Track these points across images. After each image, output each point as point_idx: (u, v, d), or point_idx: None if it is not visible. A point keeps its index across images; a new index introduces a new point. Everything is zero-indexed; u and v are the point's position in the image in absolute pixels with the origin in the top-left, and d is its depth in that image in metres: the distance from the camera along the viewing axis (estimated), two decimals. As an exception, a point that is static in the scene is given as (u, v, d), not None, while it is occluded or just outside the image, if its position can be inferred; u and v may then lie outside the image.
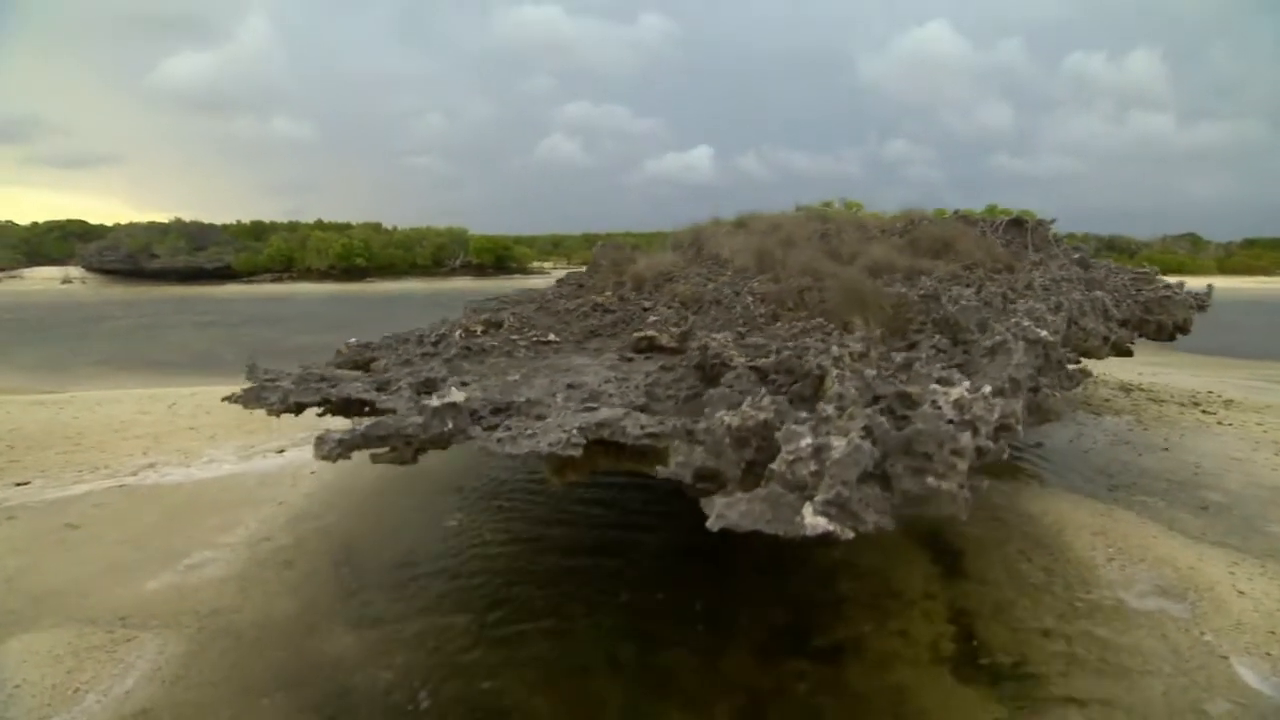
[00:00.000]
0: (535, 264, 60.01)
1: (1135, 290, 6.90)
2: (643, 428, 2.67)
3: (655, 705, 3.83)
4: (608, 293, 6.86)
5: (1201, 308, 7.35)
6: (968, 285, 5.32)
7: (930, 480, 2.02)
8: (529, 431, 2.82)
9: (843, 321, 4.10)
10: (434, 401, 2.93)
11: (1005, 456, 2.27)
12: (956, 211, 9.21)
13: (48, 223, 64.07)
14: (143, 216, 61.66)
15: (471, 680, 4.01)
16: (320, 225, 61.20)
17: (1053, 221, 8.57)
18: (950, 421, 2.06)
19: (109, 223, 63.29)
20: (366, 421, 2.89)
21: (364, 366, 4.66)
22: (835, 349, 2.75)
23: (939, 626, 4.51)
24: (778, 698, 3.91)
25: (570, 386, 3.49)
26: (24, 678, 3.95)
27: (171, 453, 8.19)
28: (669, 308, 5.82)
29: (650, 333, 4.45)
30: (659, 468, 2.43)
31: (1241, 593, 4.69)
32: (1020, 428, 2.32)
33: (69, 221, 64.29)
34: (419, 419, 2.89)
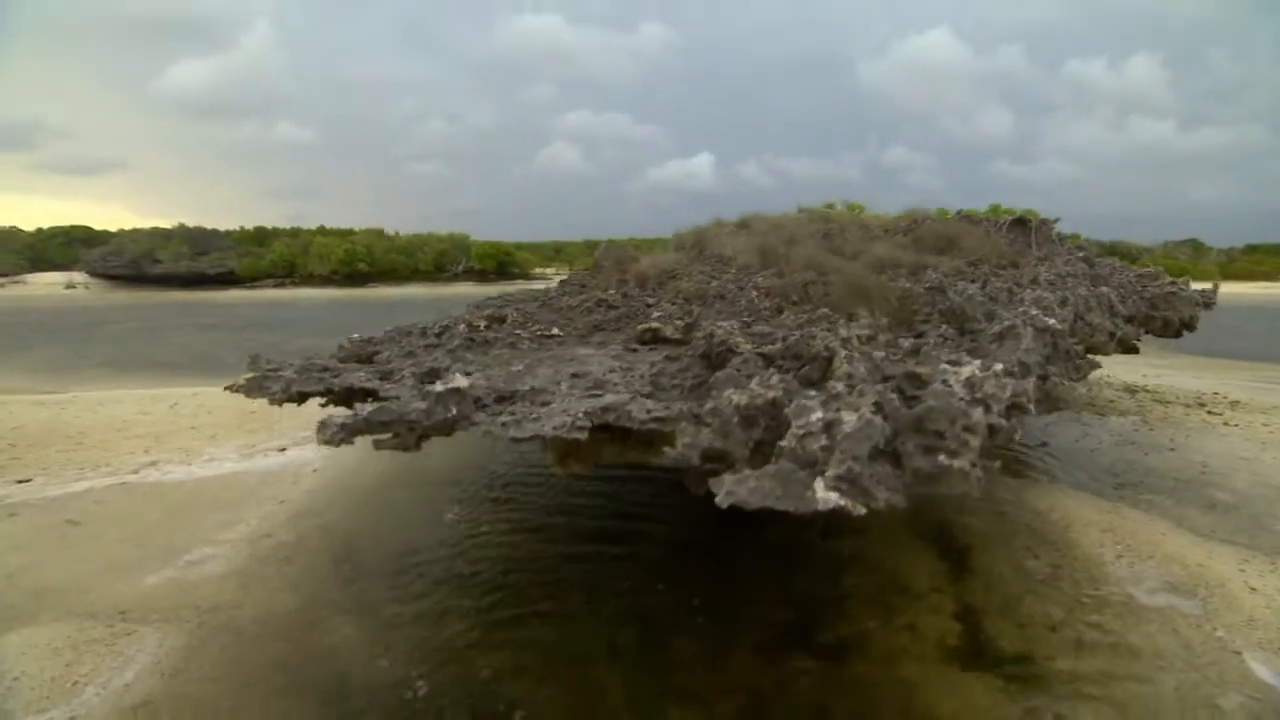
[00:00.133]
0: (537, 270, 60.12)
1: (1141, 287, 6.87)
2: (649, 412, 2.65)
3: (656, 697, 3.79)
4: (611, 290, 6.84)
5: (1207, 305, 7.32)
6: (972, 280, 5.30)
7: (942, 458, 1.99)
8: (534, 416, 2.80)
9: (848, 314, 4.08)
10: (438, 387, 2.90)
11: (1018, 436, 2.24)
12: (960, 211, 9.21)
13: (52, 228, 64.30)
14: (146, 222, 62.01)
15: (471, 670, 3.97)
16: (323, 231, 61.35)
17: (1056, 221, 8.56)
18: (962, 399, 2.03)
19: (113, 228, 63.50)
20: (370, 407, 2.86)
21: (367, 361, 4.64)
22: (843, 332, 2.73)
23: (946, 622, 4.46)
24: (782, 692, 3.86)
25: (575, 376, 3.47)
26: (23, 670, 3.92)
27: (173, 451, 8.17)
28: (672, 304, 5.81)
29: (654, 325, 4.42)
30: (666, 449, 2.40)
31: (1253, 589, 4.64)
32: (1032, 407, 2.29)
33: (73, 227, 64.51)
34: (422, 405, 2.86)
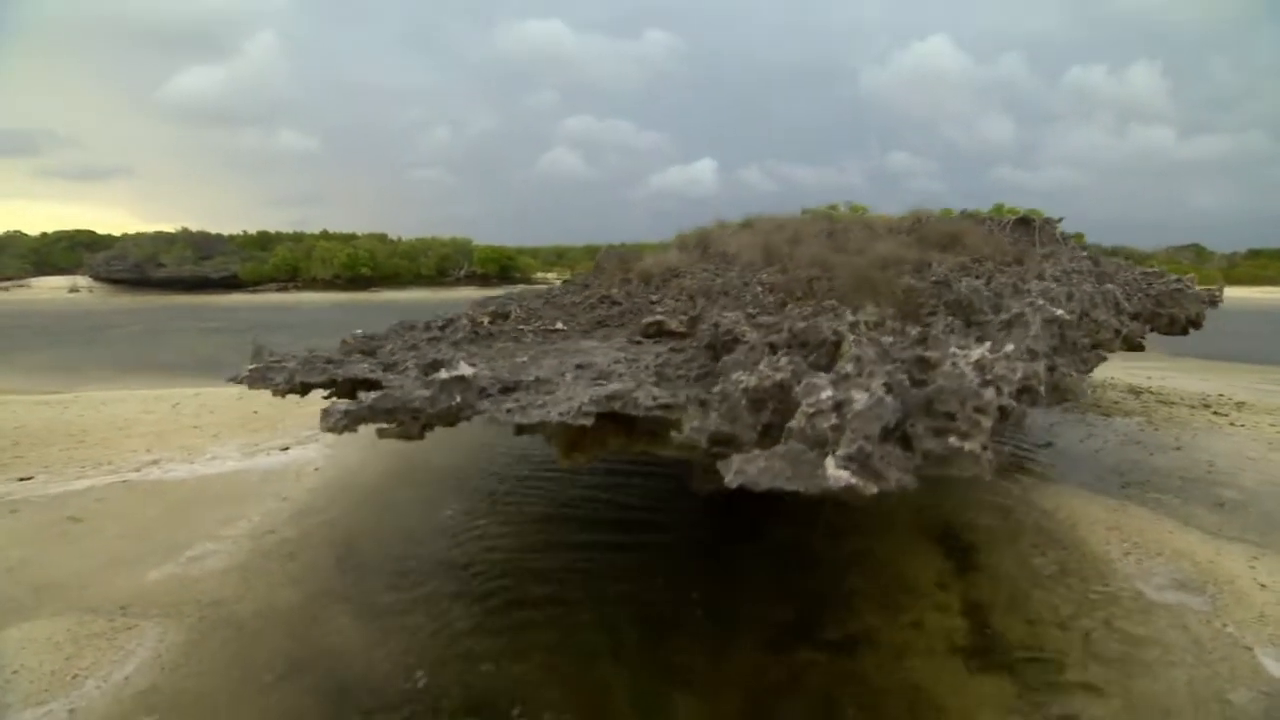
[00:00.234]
0: (539, 275, 60.16)
1: (1147, 284, 6.84)
2: (655, 399, 2.62)
3: (660, 692, 3.75)
4: (614, 289, 6.83)
5: (1213, 303, 7.29)
6: (977, 277, 5.28)
7: (953, 440, 1.96)
8: (539, 403, 2.78)
9: (853, 307, 4.05)
10: (442, 374, 2.88)
11: (1026, 419, 2.21)
12: (964, 211, 9.20)
13: (56, 233, 64.53)
14: (150, 228, 62.24)
15: (473, 666, 3.94)
16: (325, 236, 61.53)
17: (1060, 220, 8.54)
18: (973, 380, 2.00)
19: (116, 233, 63.73)
20: (374, 394, 2.84)
21: (370, 355, 4.62)
22: (850, 318, 2.71)
23: (953, 619, 4.42)
24: (789, 688, 3.82)
25: (579, 367, 3.45)
26: (22, 663, 3.89)
27: (175, 450, 8.16)
28: (676, 300, 5.79)
29: (659, 317, 4.41)
30: (673, 433, 2.38)
31: (1263, 586, 4.60)
32: (1043, 389, 2.26)
33: (77, 232, 64.73)
34: (426, 392, 2.84)
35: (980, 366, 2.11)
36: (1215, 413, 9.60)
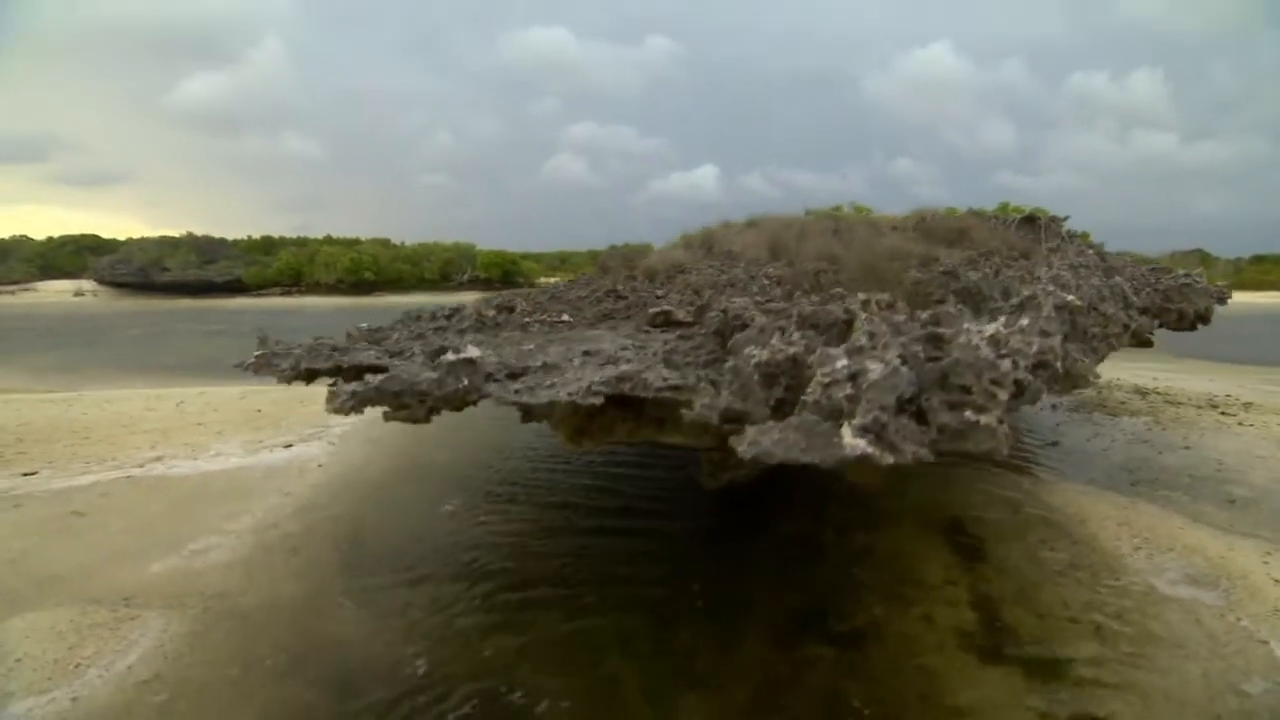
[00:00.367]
0: (542, 279, 60.25)
1: (1154, 279, 6.80)
2: (665, 379, 2.60)
3: (669, 683, 3.71)
4: (619, 284, 6.82)
5: (1221, 300, 7.24)
6: (984, 270, 5.25)
7: (968, 414, 1.94)
8: (547, 383, 2.75)
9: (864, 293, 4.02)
10: (449, 357, 2.86)
11: (1041, 398, 2.18)
12: (969, 210, 9.17)
13: (62, 237, 64.87)
14: (155, 233, 62.34)
15: (478, 658, 3.91)
16: (329, 240, 61.78)
17: (1066, 218, 8.51)
18: (988, 353, 1.97)
19: (121, 238, 64.01)
20: (380, 376, 2.82)
21: (376, 344, 4.60)
22: (861, 297, 2.68)
23: (962, 612, 4.37)
24: (798, 681, 3.78)
25: (587, 353, 3.42)
26: (25, 652, 3.87)
27: (178, 447, 8.14)
28: (682, 295, 5.77)
29: (666, 307, 4.38)
30: (684, 412, 2.35)
31: (1277, 581, 4.54)
32: (1059, 364, 2.23)
33: (82, 236, 65.06)
34: (434, 374, 2.82)
35: (995, 341, 2.08)
36: (1223, 413, 9.53)
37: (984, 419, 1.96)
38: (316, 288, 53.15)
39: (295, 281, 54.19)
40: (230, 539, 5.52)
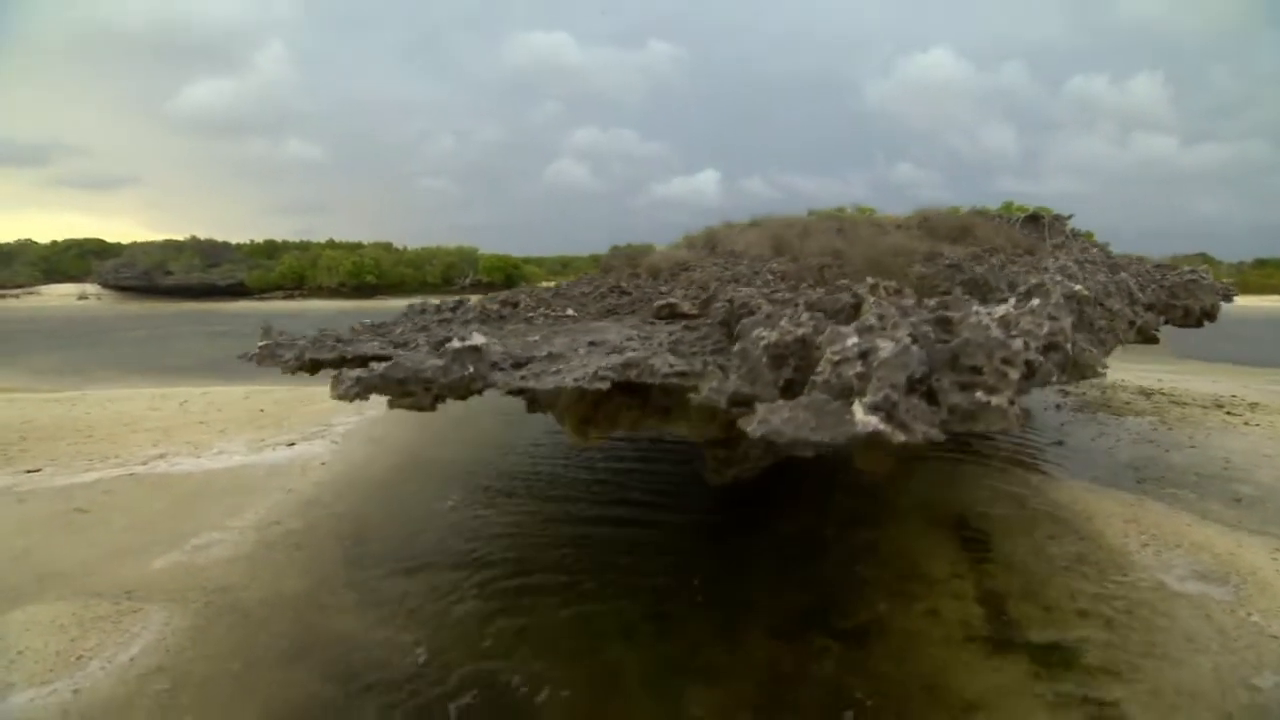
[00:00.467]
0: (544, 284, 60.35)
1: (1160, 276, 6.78)
2: (671, 365, 2.58)
3: (673, 675, 3.68)
4: (623, 281, 6.81)
5: (1227, 297, 7.21)
6: (990, 265, 5.23)
7: (979, 394, 1.92)
8: (554, 370, 2.74)
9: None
10: (455, 344, 2.85)
11: (1053, 380, 2.16)
12: (972, 209, 9.16)
13: (66, 241, 65.16)
14: (159, 236, 62.60)
15: (482, 652, 3.89)
16: (332, 244, 61.95)
17: (1069, 217, 8.50)
18: (998, 333, 1.96)
19: (125, 241, 64.22)
20: (385, 363, 2.81)
21: (381, 336, 4.59)
22: (870, 281, 2.67)
23: (969, 607, 4.34)
24: (803, 675, 3.74)
25: (592, 344, 3.41)
26: (26, 645, 3.85)
27: (181, 445, 8.14)
28: (686, 290, 5.76)
29: (672, 300, 4.38)
30: (691, 396, 2.33)
31: (1287, 576, 4.50)
32: (1070, 346, 2.21)
33: (86, 240, 65.35)
34: (439, 362, 2.81)
35: (1005, 322, 2.07)
36: (1229, 413, 9.49)
37: (995, 400, 1.94)
38: (319, 291, 53.28)
39: (298, 285, 54.33)
40: (233, 535, 5.51)
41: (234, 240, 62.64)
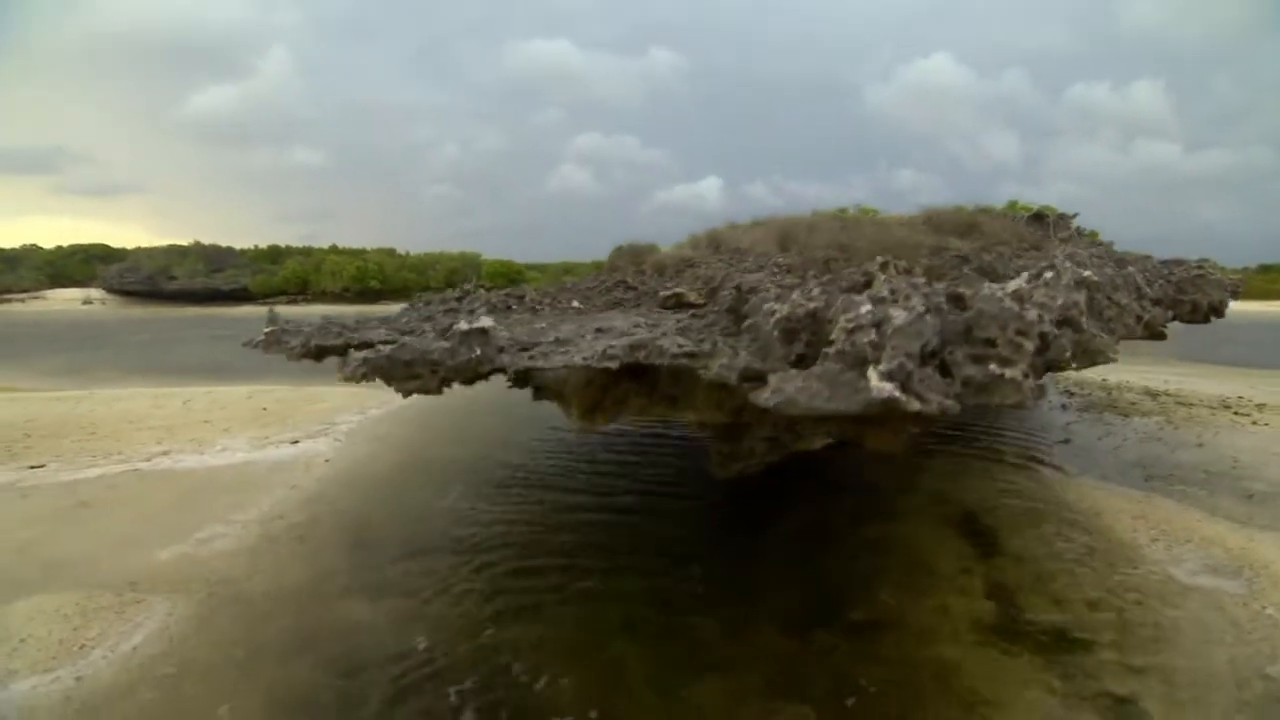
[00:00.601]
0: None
1: (1167, 272, 6.74)
2: (680, 346, 2.56)
3: (678, 668, 3.64)
4: (629, 278, 6.80)
5: (1235, 293, 7.17)
6: (998, 253, 5.20)
7: (993, 367, 1.90)
8: (562, 350, 2.72)
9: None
10: (462, 325, 2.84)
11: (1067, 355, 2.14)
12: (978, 207, 9.14)
13: (71, 246, 65.43)
14: (163, 242, 62.70)
15: (484, 643, 3.85)
16: (335, 250, 62.07)
17: (1075, 215, 8.48)
18: (1012, 305, 1.93)
19: (130, 247, 64.48)
20: (392, 346, 2.80)
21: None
22: (880, 260, 2.65)
23: (978, 600, 4.30)
24: (813, 667, 3.70)
25: (599, 330, 3.39)
26: (29, 633, 3.84)
27: (185, 442, 8.14)
28: (691, 285, 5.74)
29: (679, 289, 4.36)
30: (701, 371, 2.31)
31: (1300, 570, 4.45)
32: (1084, 320, 2.19)
33: (91, 245, 65.60)
34: (446, 344, 2.79)
35: (1019, 296, 2.05)
36: (1236, 413, 9.44)
37: (1009, 372, 1.92)
38: (322, 296, 53.34)
39: (301, 290, 54.42)
40: (236, 528, 5.49)
41: (238, 246, 62.85)
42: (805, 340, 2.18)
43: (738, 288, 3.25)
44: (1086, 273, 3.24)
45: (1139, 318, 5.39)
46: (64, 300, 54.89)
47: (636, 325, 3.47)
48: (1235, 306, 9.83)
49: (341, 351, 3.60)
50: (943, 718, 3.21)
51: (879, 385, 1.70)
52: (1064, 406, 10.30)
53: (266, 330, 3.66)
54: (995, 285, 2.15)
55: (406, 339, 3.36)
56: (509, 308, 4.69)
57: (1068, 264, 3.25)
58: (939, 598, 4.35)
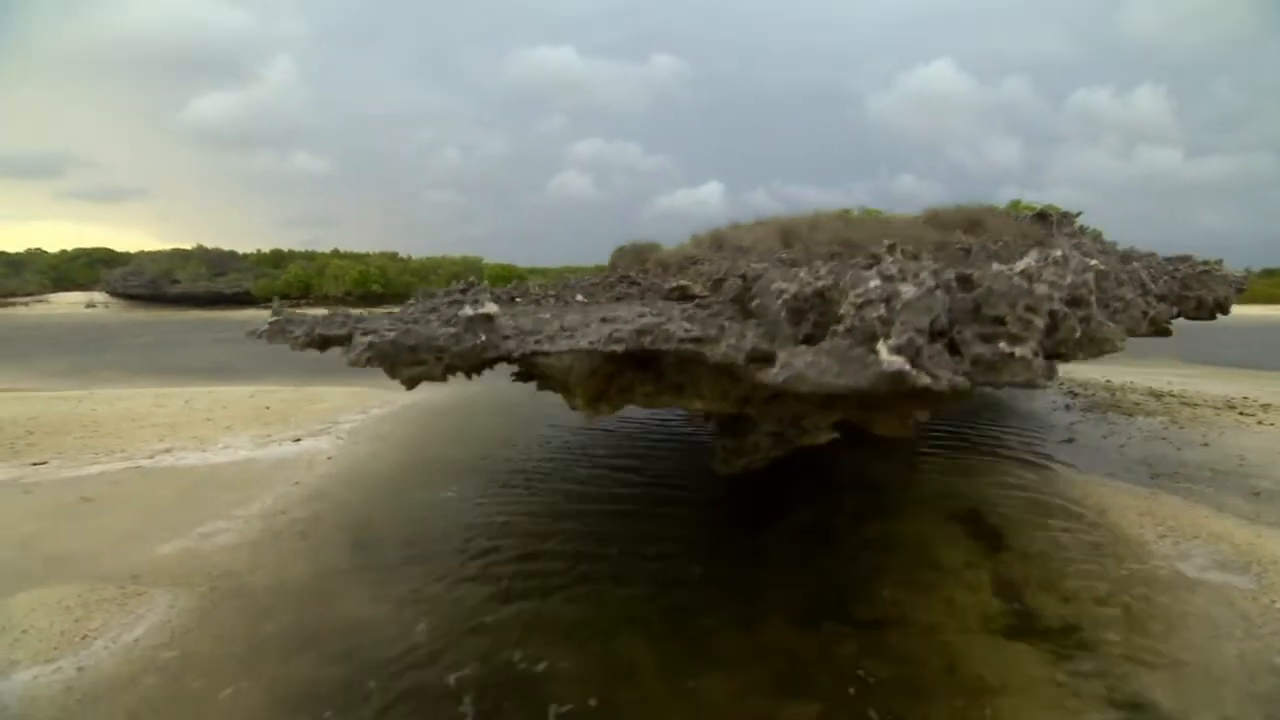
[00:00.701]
0: (548, 292, 60.32)
1: (1172, 268, 6.73)
2: (686, 330, 2.55)
3: (687, 662, 3.61)
4: (632, 273, 6.80)
5: (1240, 290, 7.16)
6: (1004, 243, 5.19)
7: (1003, 345, 1.88)
8: (567, 334, 2.71)
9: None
10: (467, 311, 2.83)
11: (1077, 336, 2.12)
12: (981, 205, 9.10)
13: (75, 250, 65.67)
14: (166, 246, 62.88)
15: (487, 638, 3.83)
16: (338, 254, 62.22)
17: (1078, 214, 8.47)
18: (1021, 282, 1.92)
19: (133, 251, 64.68)
20: (397, 330, 2.79)
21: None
22: (886, 243, 2.63)
23: (985, 596, 4.26)
24: (821, 662, 3.66)
25: (604, 320, 3.38)
26: (31, 625, 3.82)
27: (187, 440, 8.13)
28: (695, 281, 5.74)
29: (683, 282, 4.35)
30: (707, 352, 2.29)
31: (1310, 565, 4.42)
32: (1094, 299, 2.17)
33: (95, 249, 65.81)
34: (451, 330, 2.79)
35: (1028, 275, 2.03)
36: (1241, 413, 9.40)
37: (1019, 350, 1.90)
38: (325, 300, 53.39)
39: (304, 294, 54.50)
40: (238, 524, 5.47)
41: (241, 250, 63.01)
42: (813, 320, 2.16)
43: (743, 276, 3.24)
44: (1093, 261, 3.22)
45: (1144, 313, 5.37)
46: (67, 304, 55.04)
47: (642, 315, 3.45)
48: (1238, 310, 9.82)
49: (346, 340, 3.59)
50: (950, 709, 3.17)
51: (889, 359, 1.69)
52: (1067, 407, 10.27)
53: (271, 320, 3.66)
54: (1003, 266, 2.14)
55: (411, 325, 3.35)
56: (513, 300, 4.68)
57: (1075, 254, 3.24)
58: (945, 593, 4.32)
